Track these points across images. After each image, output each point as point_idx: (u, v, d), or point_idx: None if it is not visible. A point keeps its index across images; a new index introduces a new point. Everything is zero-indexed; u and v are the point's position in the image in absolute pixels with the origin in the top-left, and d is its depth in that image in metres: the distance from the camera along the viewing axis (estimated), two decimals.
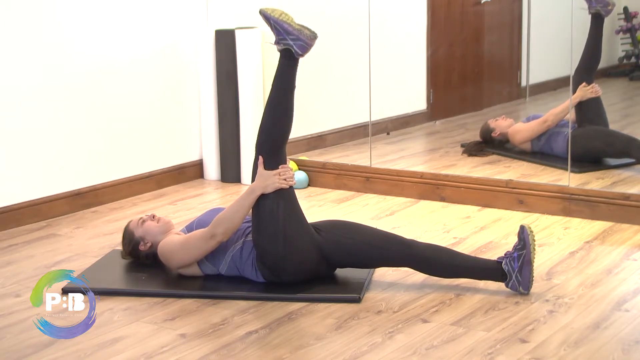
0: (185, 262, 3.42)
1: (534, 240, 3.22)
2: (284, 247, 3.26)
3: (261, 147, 3.34)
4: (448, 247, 3.50)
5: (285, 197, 3.28)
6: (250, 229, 3.38)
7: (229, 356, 2.84)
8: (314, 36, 3.27)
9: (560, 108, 5.12)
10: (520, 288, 3.22)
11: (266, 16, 3.31)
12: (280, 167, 3.31)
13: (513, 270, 3.21)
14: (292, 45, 3.25)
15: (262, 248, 3.30)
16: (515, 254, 3.21)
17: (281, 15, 3.29)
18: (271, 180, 3.28)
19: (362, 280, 3.41)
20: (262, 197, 3.26)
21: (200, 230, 3.38)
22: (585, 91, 4.97)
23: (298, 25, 3.26)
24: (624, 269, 3.57)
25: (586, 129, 5.02)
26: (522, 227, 3.24)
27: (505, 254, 3.27)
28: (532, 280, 3.23)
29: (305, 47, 3.27)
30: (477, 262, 3.34)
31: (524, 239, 3.21)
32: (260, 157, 3.32)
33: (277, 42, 3.30)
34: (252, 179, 3.35)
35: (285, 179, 3.29)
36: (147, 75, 5.03)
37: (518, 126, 5.37)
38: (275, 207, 3.25)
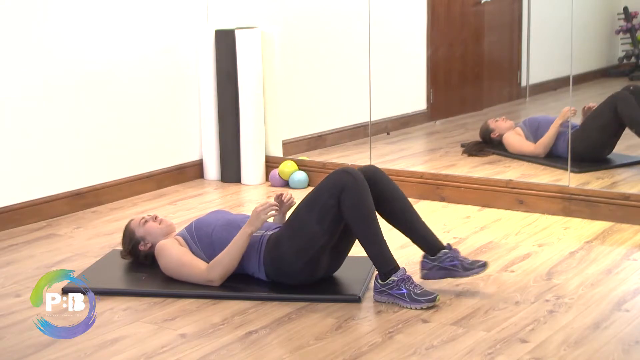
0: (175, 277, 3.43)
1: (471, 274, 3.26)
2: (305, 264, 3.29)
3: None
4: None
5: (332, 232, 3.25)
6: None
7: (229, 356, 2.84)
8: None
9: (548, 139, 5.17)
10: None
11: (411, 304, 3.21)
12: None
13: (439, 264, 3.26)
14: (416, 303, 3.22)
15: (283, 253, 3.30)
16: (448, 264, 3.25)
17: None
18: (255, 216, 3.31)
19: (362, 280, 3.41)
20: (313, 218, 3.24)
21: (199, 264, 3.38)
22: (566, 113, 5.03)
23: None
24: (624, 269, 3.57)
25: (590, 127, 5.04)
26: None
27: (448, 253, 3.29)
28: (435, 280, 3.29)
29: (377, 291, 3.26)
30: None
31: (464, 270, 3.26)
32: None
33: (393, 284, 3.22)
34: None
35: (264, 211, 3.32)
36: (147, 75, 5.03)
37: (511, 138, 5.37)
38: (319, 235, 3.24)
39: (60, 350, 2.91)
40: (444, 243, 3.36)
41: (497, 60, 6.31)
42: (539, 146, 5.20)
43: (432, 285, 3.38)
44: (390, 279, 3.20)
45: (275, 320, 3.12)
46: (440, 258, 3.29)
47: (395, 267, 3.22)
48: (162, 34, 5.10)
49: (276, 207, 3.37)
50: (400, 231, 3.39)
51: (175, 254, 3.41)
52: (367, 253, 3.26)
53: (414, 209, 3.40)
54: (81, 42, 4.67)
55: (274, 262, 3.33)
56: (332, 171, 3.32)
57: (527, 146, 5.28)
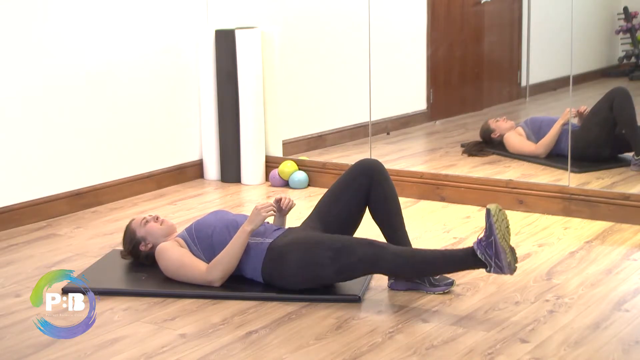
0: (176, 279, 3.43)
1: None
2: (307, 286, 3.30)
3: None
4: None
5: (340, 265, 3.23)
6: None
7: (229, 356, 2.84)
8: (511, 271, 3.05)
9: (549, 139, 5.16)
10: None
11: (489, 220, 3.04)
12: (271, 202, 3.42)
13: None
14: (491, 266, 3.03)
15: (287, 275, 3.29)
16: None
17: (502, 232, 3.02)
18: (255, 214, 3.33)
19: (362, 280, 3.40)
20: (333, 267, 3.21)
21: (199, 265, 3.37)
22: (566, 115, 5.01)
23: (510, 250, 3.03)
24: (624, 269, 3.57)
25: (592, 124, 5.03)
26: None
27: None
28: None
29: (498, 273, 3.07)
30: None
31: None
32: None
33: (479, 249, 3.04)
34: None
35: (265, 209, 3.34)
36: (148, 75, 5.03)
37: (512, 138, 5.37)
38: (331, 279, 3.26)
39: (60, 350, 2.91)
40: None
41: (497, 60, 6.31)
42: (540, 147, 5.20)
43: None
44: None
45: (275, 320, 3.12)
46: None
47: None
48: (162, 34, 5.10)
49: (274, 209, 3.39)
50: (381, 230, 3.44)
51: (175, 256, 3.41)
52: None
53: (401, 215, 3.44)
54: (81, 42, 4.67)
55: (273, 278, 3.33)
56: (361, 240, 3.21)
57: (528, 146, 5.28)
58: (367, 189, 3.42)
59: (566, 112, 5.05)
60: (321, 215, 3.49)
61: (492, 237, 3.02)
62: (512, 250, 3.04)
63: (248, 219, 3.35)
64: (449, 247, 3.89)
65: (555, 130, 5.14)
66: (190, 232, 3.47)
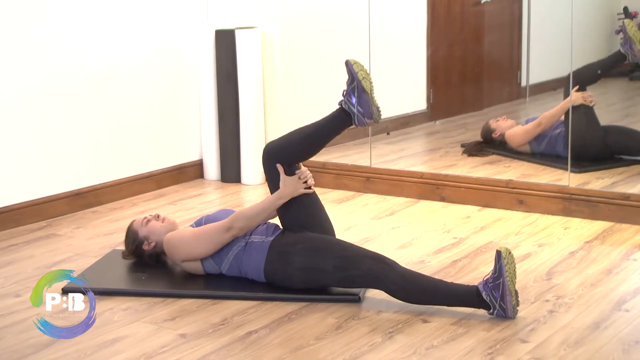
0: (195, 254, 3.41)
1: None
2: (304, 286, 3.29)
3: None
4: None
5: (342, 275, 3.23)
6: (255, 229, 3.39)
7: (229, 356, 2.84)
8: (514, 315, 3.07)
9: (554, 111, 5.13)
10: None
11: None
12: (296, 172, 3.37)
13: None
14: (495, 308, 3.05)
15: (291, 276, 3.28)
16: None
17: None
18: (296, 186, 3.33)
19: None
20: (336, 276, 3.22)
21: (215, 224, 3.39)
22: (579, 97, 4.97)
23: (515, 293, 3.05)
24: (624, 269, 3.57)
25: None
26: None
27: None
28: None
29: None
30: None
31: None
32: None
33: (484, 290, 3.05)
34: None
35: (305, 182, 3.36)
36: (148, 76, 5.03)
37: (514, 130, 5.36)
38: (331, 273, 3.23)
39: (60, 350, 2.91)
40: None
41: (497, 60, 6.31)
42: (544, 118, 5.15)
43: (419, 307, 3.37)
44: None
45: (275, 320, 3.12)
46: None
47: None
48: (162, 34, 5.10)
49: (312, 183, 3.39)
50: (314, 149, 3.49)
51: (188, 232, 3.44)
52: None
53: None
54: (81, 42, 4.67)
55: (275, 277, 3.33)
56: (372, 255, 3.24)
57: (531, 125, 5.23)
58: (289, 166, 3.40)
59: (567, 100, 5.01)
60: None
61: (501, 279, 3.03)
62: (517, 293, 3.08)
63: (287, 187, 3.34)
64: (449, 247, 3.90)
65: (560, 106, 5.06)
66: (200, 225, 3.49)
